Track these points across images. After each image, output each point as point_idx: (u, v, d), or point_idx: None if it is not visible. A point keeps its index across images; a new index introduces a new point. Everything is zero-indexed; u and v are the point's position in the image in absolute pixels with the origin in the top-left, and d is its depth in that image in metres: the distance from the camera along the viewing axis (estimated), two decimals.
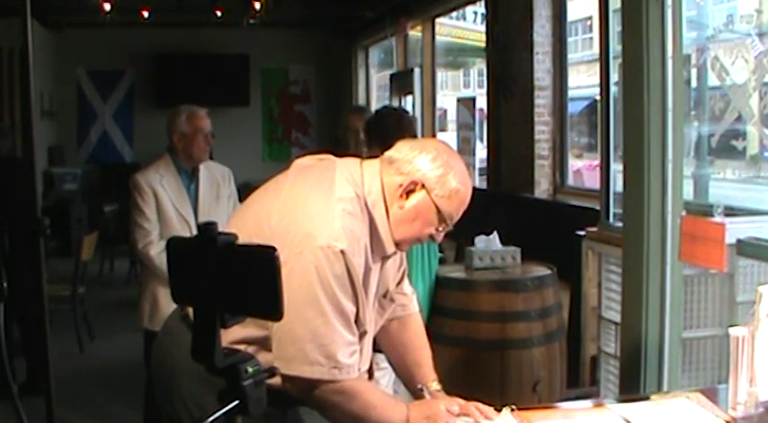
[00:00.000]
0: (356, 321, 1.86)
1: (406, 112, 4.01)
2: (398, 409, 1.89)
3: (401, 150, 1.91)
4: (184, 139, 3.58)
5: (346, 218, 1.81)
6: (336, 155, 2.02)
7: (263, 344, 1.81)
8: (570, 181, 5.65)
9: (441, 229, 1.90)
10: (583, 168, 7.71)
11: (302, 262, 1.75)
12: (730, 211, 2.93)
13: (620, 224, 3.48)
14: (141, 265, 4.11)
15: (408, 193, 1.87)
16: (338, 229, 1.78)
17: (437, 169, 1.86)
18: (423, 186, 1.86)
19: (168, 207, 3.57)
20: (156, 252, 3.49)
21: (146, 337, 3.66)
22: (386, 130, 3.28)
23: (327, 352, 1.77)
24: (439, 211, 1.87)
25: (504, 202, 5.66)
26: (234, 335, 1.71)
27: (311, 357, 1.76)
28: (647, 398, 2.12)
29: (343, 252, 1.76)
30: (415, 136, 3.50)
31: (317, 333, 1.76)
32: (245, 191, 3.51)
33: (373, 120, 3.55)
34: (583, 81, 8.05)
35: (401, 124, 3.38)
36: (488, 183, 6.25)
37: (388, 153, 1.93)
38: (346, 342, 1.80)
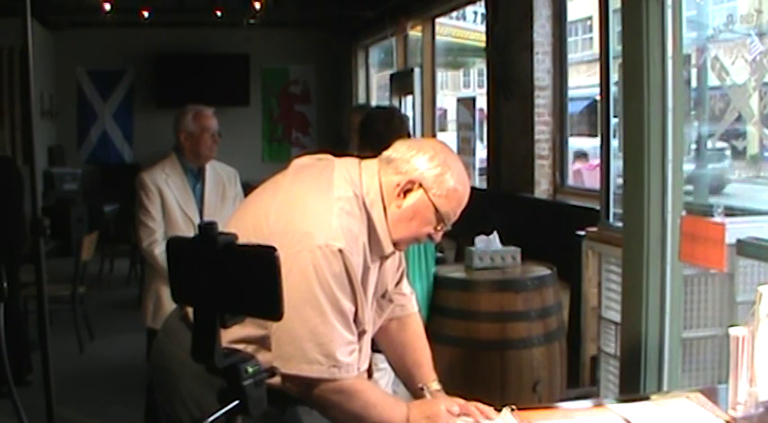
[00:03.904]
0: (355, 320, 1.86)
1: (398, 112, 3.98)
2: (398, 408, 1.89)
3: (399, 150, 1.91)
4: (191, 139, 3.60)
5: (344, 217, 1.81)
6: (336, 155, 2.02)
7: (263, 343, 1.81)
8: (570, 181, 5.65)
9: (439, 228, 1.90)
10: (583, 168, 7.72)
11: (300, 261, 1.75)
12: (730, 211, 2.93)
13: (620, 224, 3.48)
14: (144, 264, 4.12)
15: (406, 192, 1.87)
16: (336, 228, 1.78)
17: (434, 168, 1.86)
18: (420, 185, 1.86)
19: (173, 206, 3.58)
20: (161, 251, 3.49)
21: (148, 336, 3.66)
22: (376, 132, 3.27)
23: (326, 351, 1.77)
24: (437, 211, 1.86)
25: (504, 202, 5.66)
26: (233, 334, 1.71)
27: (310, 356, 1.76)
28: (647, 398, 2.12)
29: (341, 251, 1.77)
30: (408, 135, 3.49)
31: (315, 332, 1.76)
32: (244, 191, 3.53)
33: (364, 121, 3.54)
34: (583, 81, 8.06)
35: (392, 124, 3.35)
36: (488, 183, 6.25)
37: (385, 153, 1.94)
38: (345, 341, 1.80)
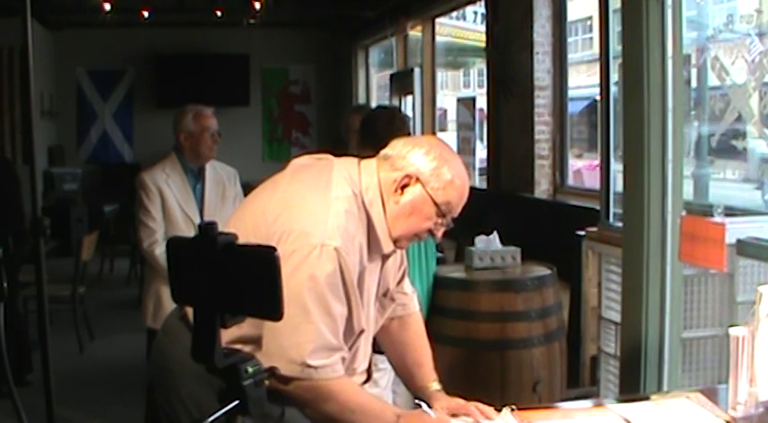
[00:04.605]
0: (349, 323, 1.85)
1: (399, 112, 3.98)
2: (383, 417, 1.85)
3: (395, 147, 1.93)
4: (191, 139, 3.61)
5: (341, 216, 1.81)
6: (336, 154, 2.02)
7: (258, 343, 1.81)
8: (570, 181, 5.65)
9: (440, 222, 1.90)
10: (583, 168, 7.71)
11: (294, 260, 1.75)
12: (730, 211, 2.93)
13: (620, 224, 3.48)
14: (144, 264, 4.13)
15: (403, 187, 1.87)
16: (332, 227, 1.79)
17: (431, 162, 1.87)
18: (417, 180, 1.87)
19: (174, 206, 3.59)
20: (161, 251, 3.50)
21: (149, 336, 3.67)
22: (377, 131, 3.27)
23: (301, 352, 1.76)
24: (435, 204, 1.87)
25: (504, 202, 5.66)
26: (230, 334, 1.71)
27: (287, 355, 1.76)
28: (647, 398, 2.12)
29: (336, 250, 1.77)
30: (409, 134, 3.48)
31: (296, 331, 1.76)
32: (244, 191, 3.53)
33: (365, 121, 3.54)
34: (583, 81, 8.05)
35: (393, 124, 3.36)
36: (488, 183, 6.25)
37: (383, 151, 1.95)
38: (326, 345, 1.79)
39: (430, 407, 1.98)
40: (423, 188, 1.87)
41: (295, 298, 1.74)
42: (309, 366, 1.77)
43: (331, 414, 1.81)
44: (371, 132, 3.33)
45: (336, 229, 1.79)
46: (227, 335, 1.66)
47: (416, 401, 2.05)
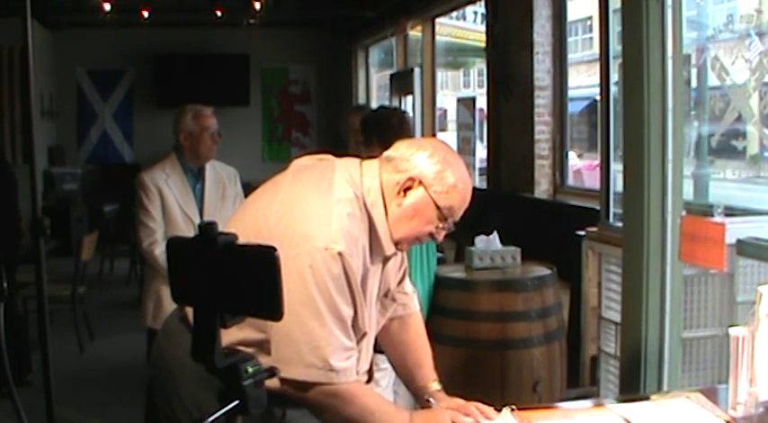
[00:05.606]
0: (355, 325, 1.85)
1: (404, 113, 4.02)
2: (400, 416, 1.87)
3: (399, 149, 1.91)
4: (191, 138, 3.61)
5: (344, 219, 1.80)
6: (336, 155, 2.02)
7: (261, 346, 1.80)
8: (570, 181, 5.65)
9: (441, 226, 1.89)
10: (583, 168, 7.72)
11: (299, 263, 1.74)
12: (730, 211, 2.93)
13: (620, 224, 3.48)
14: (144, 264, 4.13)
15: (406, 190, 1.86)
16: (336, 230, 1.78)
17: (434, 165, 1.85)
18: (420, 183, 1.85)
19: (173, 206, 3.59)
20: (161, 251, 3.50)
21: (149, 336, 3.67)
22: (389, 130, 3.28)
23: (323, 354, 1.76)
24: (438, 208, 1.86)
25: (504, 202, 5.66)
26: (231, 337, 1.70)
27: (307, 360, 1.76)
28: (647, 398, 2.12)
29: (340, 254, 1.76)
30: (411, 136, 3.50)
31: (313, 335, 1.75)
32: (244, 191, 3.53)
33: (373, 119, 3.54)
34: (583, 81, 8.06)
35: (402, 125, 3.39)
36: (488, 183, 6.25)
37: (386, 152, 1.93)
38: (342, 346, 1.79)
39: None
40: (425, 191, 1.85)
41: (307, 303, 1.74)
42: (332, 369, 1.76)
43: (352, 417, 1.81)
44: (382, 131, 3.34)
45: (340, 232, 1.78)
46: (227, 338, 1.66)
47: (427, 399, 2.05)
